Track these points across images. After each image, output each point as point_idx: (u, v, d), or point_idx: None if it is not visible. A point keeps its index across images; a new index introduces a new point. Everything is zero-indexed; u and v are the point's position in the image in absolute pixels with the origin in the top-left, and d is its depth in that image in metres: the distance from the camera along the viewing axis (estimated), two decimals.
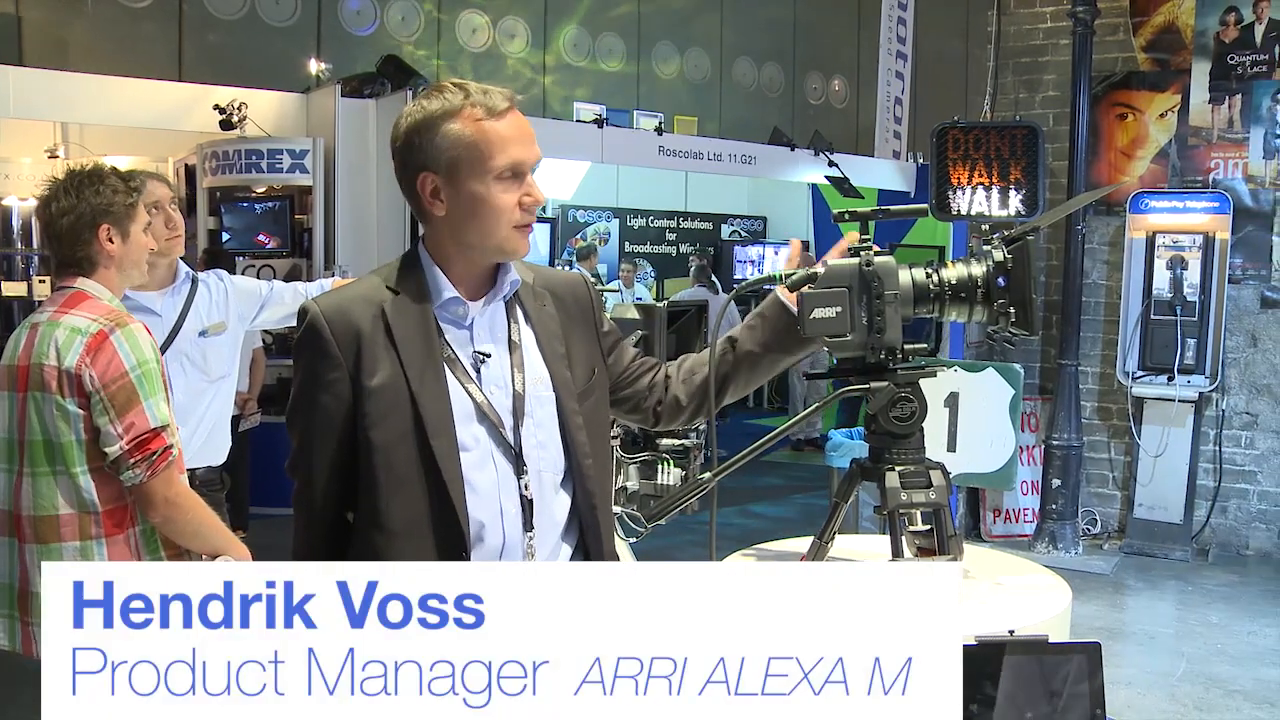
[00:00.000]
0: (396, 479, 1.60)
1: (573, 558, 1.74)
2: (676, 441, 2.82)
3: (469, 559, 1.60)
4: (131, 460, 2.16)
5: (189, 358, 2.93)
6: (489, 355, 1.67)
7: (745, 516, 7.28)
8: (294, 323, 1.70)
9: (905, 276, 1.83)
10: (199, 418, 2.94)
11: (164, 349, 2.86)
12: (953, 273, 1.83)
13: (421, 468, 1.59)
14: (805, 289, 1.81)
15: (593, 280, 3.27)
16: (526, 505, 1.66)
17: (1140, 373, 6.24)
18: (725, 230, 13.32)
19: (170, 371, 2.87)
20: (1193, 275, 6.14)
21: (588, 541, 1.74)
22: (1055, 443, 6.30)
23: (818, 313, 1.79)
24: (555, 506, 1.71)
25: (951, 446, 4.59)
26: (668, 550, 5.89)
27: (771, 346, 1.87)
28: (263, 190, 7.13)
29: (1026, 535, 6.51)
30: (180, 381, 2.89)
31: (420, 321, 1.63)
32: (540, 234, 9.94)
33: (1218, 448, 6.35)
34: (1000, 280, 1.81)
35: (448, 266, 1.66)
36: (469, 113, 1.59)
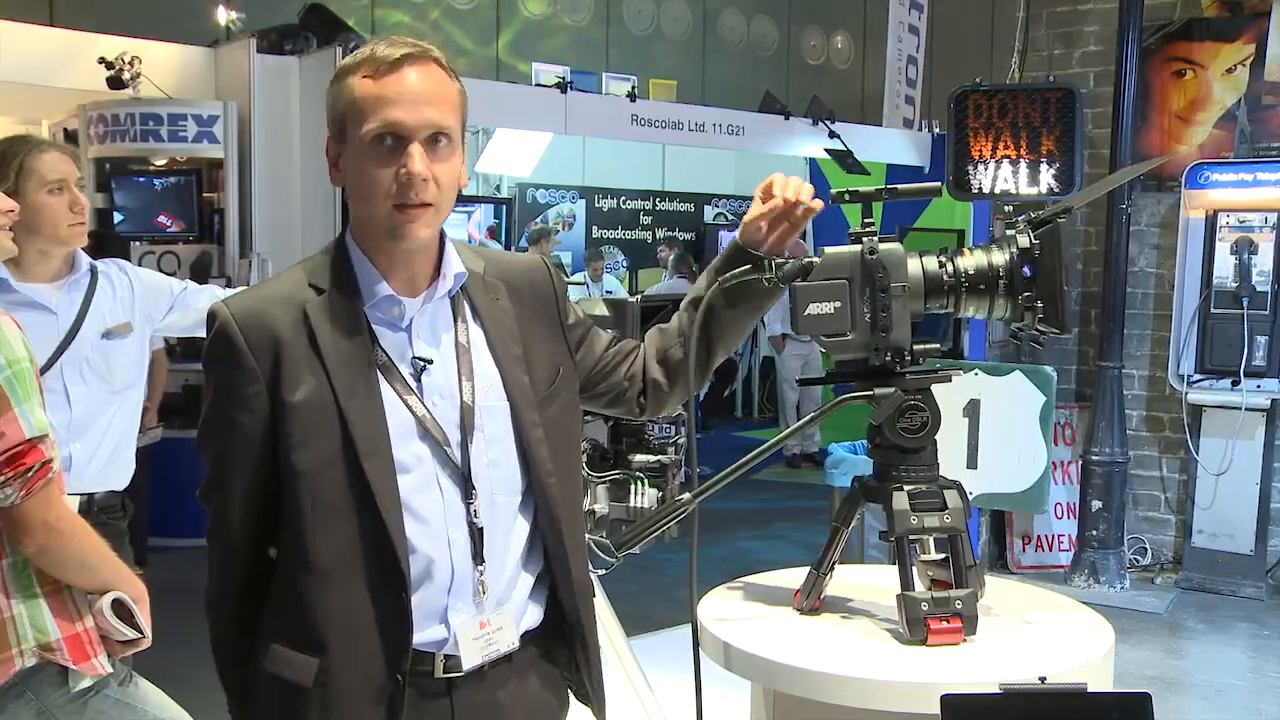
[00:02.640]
0: (325, 509, 1.60)
1: (534, 591, 1.75)
2: (652, 458, 2.84)
3: (409, 599, 1.61)
4: (2, 478, 2.14)
5: (89, 363, 2.91)
6: (430, 361, 1.67)
7: (731, 544, 7.30)
8: (203, 331, 1.70)
9: (915, 266, 1.85)
10: (100, 434, 2.93)
11: (59, 353, 2.85)
12: (970, 261, 1.86)
13: (353, 495, 1.59)
14: (799, 281, 1.82)
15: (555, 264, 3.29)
16: (476, 534, 1.66)
17: (1198, 376, 6.27)
18: (709, 213, 13.34)
19: (67, 379, 2.87)
20: (1264, 261, 6.12)
21: (554, 572, 1.75)
22: (1095, 458, 6.36)
23: (813, 308, 1.81)
24: (512, 534, 1.72)
25: (972, 462, 4.63)
26: (642, 585, 5.90)
27: (737, 299, 1.91)
28: (163, 163, 7.09)
29: (1063, 566, 6.57)
30: (79, 390, 2.88)
31: (349, 324, 1.64)
32: (490, 217, 9.94)
33: None
34: (1026, 270, 1.84)
35: (376, 257, 1.67)
36: (361, 69, 1.62)
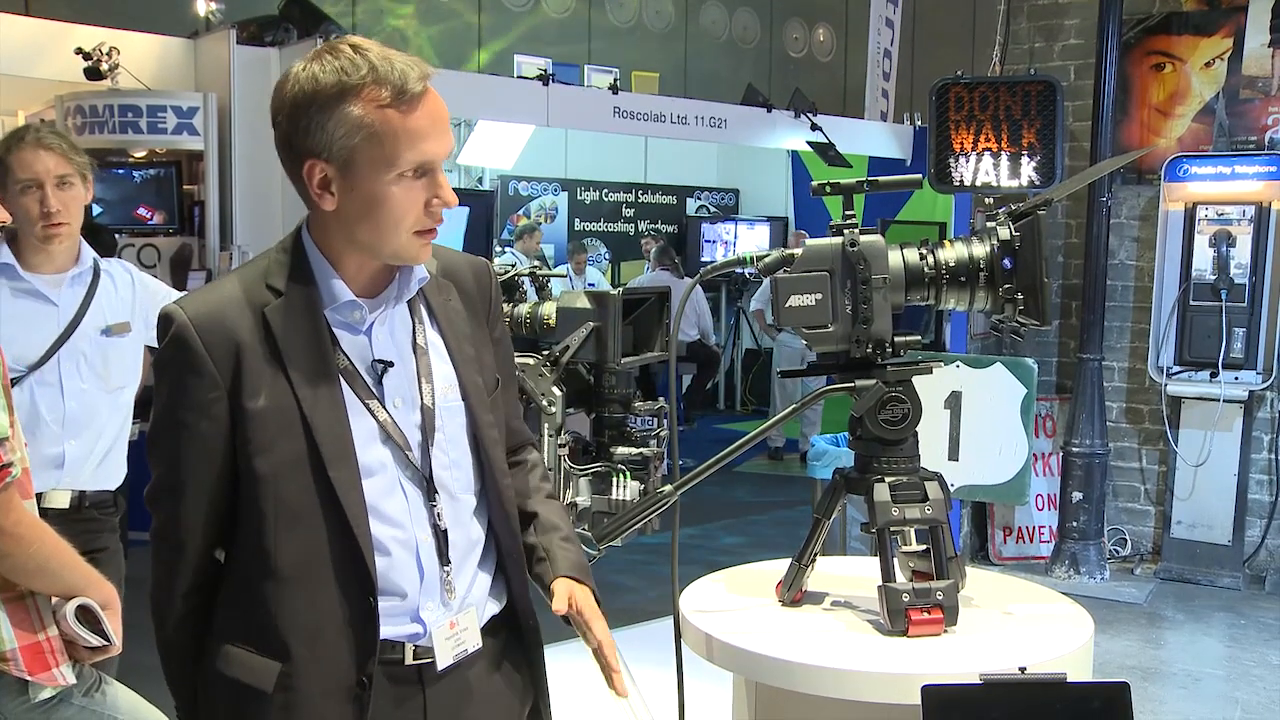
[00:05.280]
0: (289, 515, 1.59)
1: (492, 587, 1.77)
2: (634, 451, 2.84)
3: (376, 602, 1.61)
4: None
5: (87, 359, 2.90)
6: (391, 364, 1.67)
7: (713, 536, 7.32)
8: None
9: (895, 258, 1.85)
10: (97, 433, 2.92)
11: (58, 345, 2.84)
12: (950, 254, 1.86)
13: (318, 501, 1.58)
14: (780, 273, 1.83)
15: (499, 271, 3.28)
16: (441, 535, 1.67)
17: (1177, 368, 6.31)
18: (691, 205, 13.34)
19: (64, 373, 2.85)
20: (1241, 253, 6.16)
21: (507, 570, 1.78)
22: (1076, 450, 6.39)
23: (794, 300, 1.81)
24: (471, 533, 1.74)
25: (953, 454, 4.65)
26: (623, 577, 5.90)
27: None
28: (142, 155, 7.04)
29: (1043, 558, 6.61)
30: (75, 387, 2.87)
31: (310, 328, 1.62)
32: (474, 212, 9.90)
33: (1274, 455, 6.41)
34: (1006, 262, 1.84)
35: (338, 262, 1.64)
36: (372, 94, 1.54)
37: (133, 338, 3.02)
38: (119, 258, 3.45)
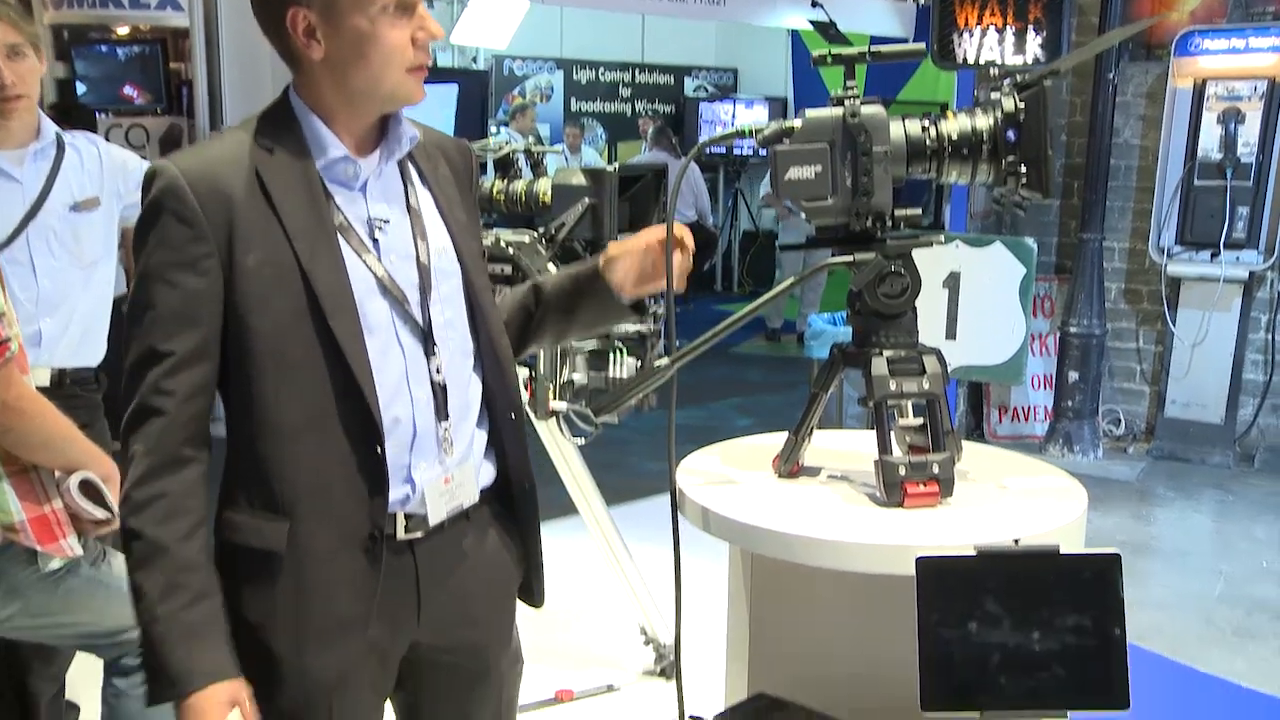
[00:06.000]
0: (289, 369, 1.58)
1: (487, 450, 1.79)
2: (631, 328, 2.83)
3: (384, 451, 1.61)
4: None
5: (57, 236, 2.86)
6: (387, 221, 1.67)
7: (712, 415, 7.38)
8: None
9: (897, 130, 1.82)
10: (71, 310, 2.89)
11: (25, 223, 2.80)
12: (953, 125, 1.83)
13: (320, 353, 1.58)
14: (779, 145, 1.80)
15: (494, 148, 3.24)
16: (439, 391, 1.68)
17: (1178, 248, 6.28)
18: (689, 85, 13.14)
19: (34, 251, 2.82)
20: (1250, 131, 6.06)
21: (503, 436, 1.80)
22: (1073, 330, 6.40)
23: (793, 172, 1.79)
24: (469, 392, 1.75)
25: (951, 334, 4.65)
26: (621, 451, 5.97)
27: (580, 313, 1.93)
28: (125, 31, 6.90)
29: (1037, 437, 6.67)
30: (46, 264, 2.83)
31: (304, 184, 1.61)
32: (466, 89, 9.75)
33: (1270, 335, 6.42)
34: (1010, 134, 1.81)
35: (330, 118, 1.63)
36: None
37: (103, 212, 2.97)
38: (106, 138, 3.38)
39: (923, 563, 1.54)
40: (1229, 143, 6.08)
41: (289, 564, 1.61)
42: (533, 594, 1.92)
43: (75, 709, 3.20)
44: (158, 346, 1.56)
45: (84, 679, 3.05)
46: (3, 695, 3.00)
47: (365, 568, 1.64)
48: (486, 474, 1.80)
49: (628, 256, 1.88)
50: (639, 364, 2.83)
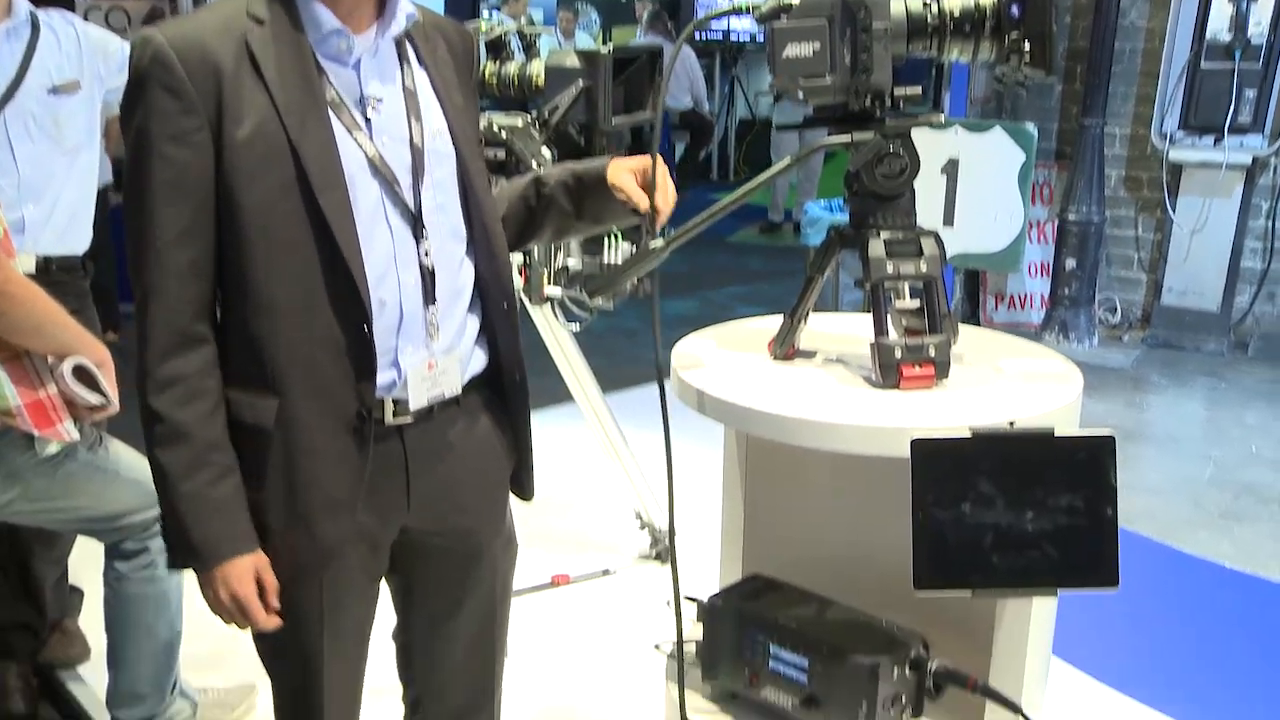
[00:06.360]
0: (277, 246, 1.57)
1: (479, 338, 1.79)
2: None
3: (371, 331, 1.61)
4: None
5: (36, 119, 2.80)
6: (381, 100, 1.64)
7: (708, 303, 7.38)
8: None
9: (898, 6, 1.78)
10: (54, 197, 2.85)
11: (2, 105, 2.74)
12: (956, 1, 1.79)
13: (308, 229, 1.56)
14: (777, 22, 1.76)
15: (485, 29, 3.17)
16: (427, 275, 1.67)
17: (1181, 134, 6.20)
18: None
19: (13, 136, 2.76)
20: (1262, 10, 5.93)
21: (495, 324, 1.79)
22: (1072, 218, 6.36)
23: (791, 50, 1.75)
24: (460, 278, 1.74)
25: (949, 221, 4.63)
26: (617, 339, 5.99)
27: (585, 214, 1.89)
28: None
29: (1033, 325, 6.68)
30: (26, 149, 2.78)
31: (296, 57, 1.57)
32: None
33: (1270, 222, 6.37)
34: (1014, 9, 1.77)
35: None
36: None
37: (84, 96, 2.90)
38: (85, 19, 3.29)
39: (918, 444, 1.54)
40: (1240, 23, 5.95)
41: (278, 442, 1.62)
42: (523, 486, 1.94)
43: (79, 593, 3.25)
44: (154, 223, 1.55)
45: (86, 564, 3.09)
46: (7, 577, 3.04)
47: (353, 449, 1.64)
48: (478, 361, 1.79)
49: (626, 181, 1.83)
50: (633, 249, 2.81)
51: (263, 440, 1.62)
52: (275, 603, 1.68)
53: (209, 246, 1.58)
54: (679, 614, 1.79)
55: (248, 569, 1.63)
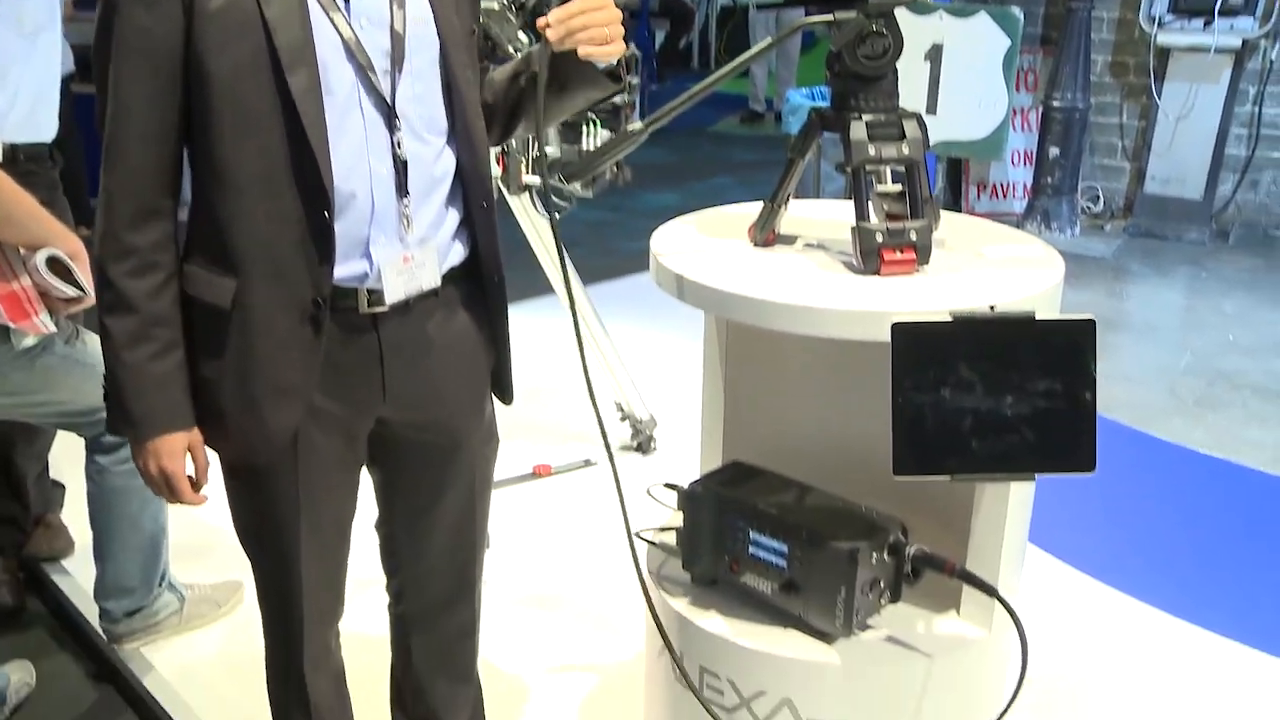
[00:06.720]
0: (243, 121, 1.53)
1: (458, 231, 1.76)
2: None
3: (332, 219, 1.58)
4: None
5: None
6: None
7: (692, 194, 7.33)
8: None
9: None
10: (17, 82, 2.76)
11: None
12: None
13: (275, 108, 1.53)
14: None
15: None
16: (400, 166, 1.63)
17: (1170, 17, 6.11)
18: None
19: None
20: None
21: (475, 218, 1.76)
22: (1056, 104, 6.30)
23: None
24: (436, 169, 1.69)
25: (931, 108, 4.57)
26: (597, 231, 5.95)
27: (569, 90, 1.79)
28: None
29: (1015, 214, 6.66)
30: None
31: None
32: None
33: (1257, 108, 6.31)
34: None
35: None
36: None
37: None
38: None
39: (898, 328, 1.53)
40: None
41: (236, 323, 1.61)
42: (504, 389, 1.93)
43: (61, 487, 3.26)
44: (120, 90, 1.54)
45: (68, 457, 3.09)
46: None
47: (309, 337, 1.63)
48: (457, 254, 1.77)
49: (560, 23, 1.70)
50: (613, 136, 2.77)
51: (220, 321, 1.62)
52: (204, 480, 1.73)
53: (175, 114, 1.55)
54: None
55: (179, 445, 1.66)
